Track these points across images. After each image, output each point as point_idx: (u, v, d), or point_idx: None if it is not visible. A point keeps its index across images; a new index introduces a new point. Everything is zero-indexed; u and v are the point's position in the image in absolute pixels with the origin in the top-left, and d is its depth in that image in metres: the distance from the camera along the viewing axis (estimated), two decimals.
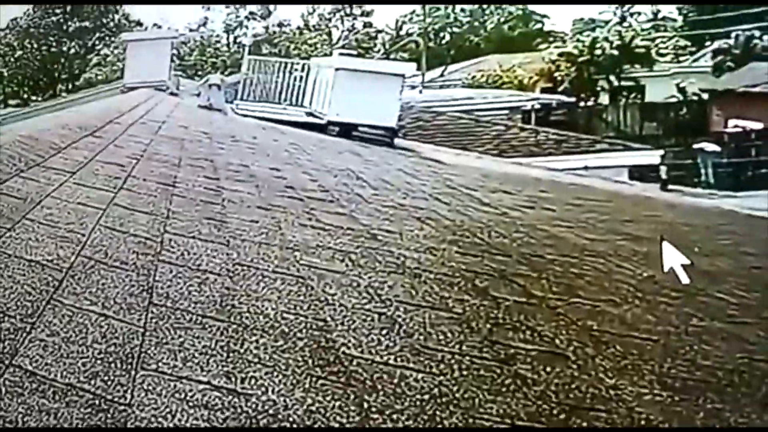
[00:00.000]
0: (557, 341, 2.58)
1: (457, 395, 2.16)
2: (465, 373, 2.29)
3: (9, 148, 3.81)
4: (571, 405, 2.16)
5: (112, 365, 2.03)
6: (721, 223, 4.22)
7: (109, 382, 1.95)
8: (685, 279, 2.61)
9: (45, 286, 2.42)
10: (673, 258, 2.69)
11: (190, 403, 1.94)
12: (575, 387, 2.27)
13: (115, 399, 1.88)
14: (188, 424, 1.86)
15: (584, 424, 2.07)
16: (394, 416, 2.03)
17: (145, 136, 4.59)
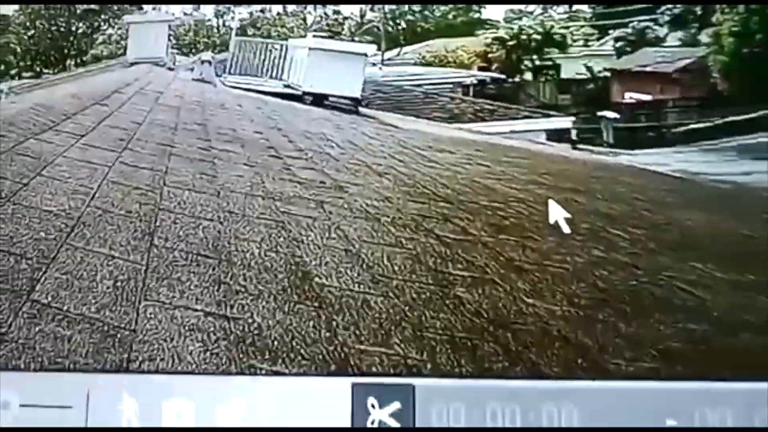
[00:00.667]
0: (487, 270, 2.59)
1: (408, 314, 2.16)
2: (414, 296, 2.29)
3: (24, 114, 3.70)
4: (498, 320, 2.17)
5: (119, 298, 1.99)
6: (618, 175, 4.24)
7: (116, 312, 1.91)
8: (567, 230, 2.62)
9: (58, 232, 2.37)
10: (557, 213, 2.71)
11: (187, 328, 1.91)
12: (502, 306, 2.27)
13: (122, 326, 1.85)
14: (185, 346, 1.83)
15: (508, 335, 2.08)
16: (357, 333, 2.02)
17: (145, 104, 4.48)
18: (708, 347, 2.09)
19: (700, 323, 2.24)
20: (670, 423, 1.70)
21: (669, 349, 2.06)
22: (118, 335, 1.81)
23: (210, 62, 4.83)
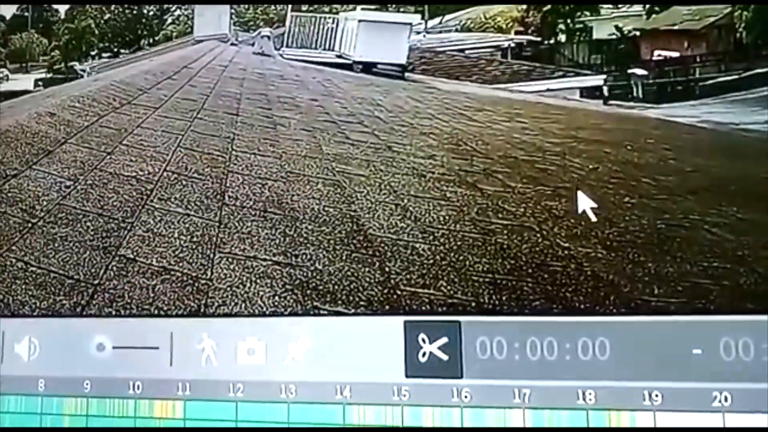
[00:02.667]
0: (525, 217, 2.56)
1: (452, 259, 2.16)
2: (459, 243, 2.29)
3: (105, 90, 3.75)
4: (535, 263, 2.15)
5: (195, 251, 2.03)
6: (647, 127, 4.13)
7: (193, 264, 1.95)
8: (593, 219, 2.57)
9: (139, 194, 2.41)
10: (584, 203, 2.66)
11: (257, 275, 1.94)
12: (539, 250, 2.26)
13: (199, 276, 1.89)
14: (256, 292, 1.86)
15: (545, 276, 2.07)
16: (408, 277, 2.03)
17: (212, 77, 4.49)
18: (731, 283, 2.06)
19: (724, 261, 2.19)
20: (696, 351, 1.69)
21: (694, 285, 2.03)
22: (196, 284, 1.85)
23: (269, 37, 4.82)
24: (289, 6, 5.46)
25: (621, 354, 1.75)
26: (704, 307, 1.87)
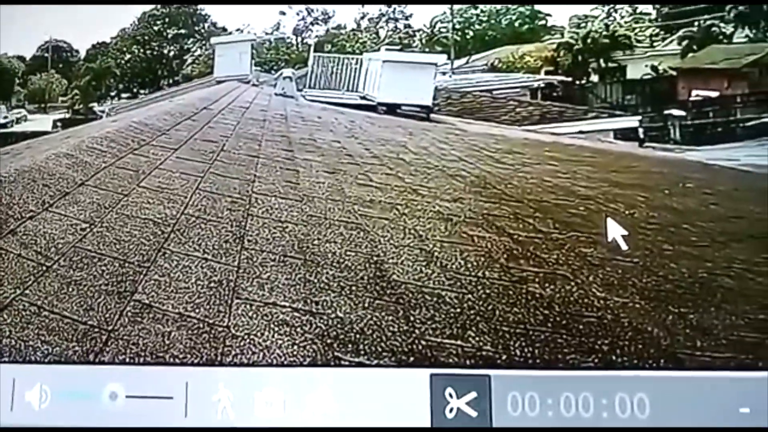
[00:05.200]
0: (559, 265, 2.54)
1: (481, 309, 2.14)
2: (488, 292, 2.27)
3: (123, 131, 3.82)
4: (570, 313, 2.13)
5: (212, 297, 2.04)
6: (686, 170, 4.11)
7: (210, 310, 1.95)
8: (624, 247, 2.55)
9: (156, 238, 2.43)
10: (615, 231, 2.64)
11: (276, 323, 1.94)
12: (573, 300, 2.23)
13: (216, 323, 1.89)
14: (275, 340, 1.86)
15: (580, 327, 2.04)
16: (434, 326, 2.01)
17: (233, 118, 4.57)
18: None
19: None
20: (743, 411, 1.65)
21: (741, 338, 1.99)
22: (213, 331, 1.85)
23: (291, 78, 4.90)
24: (312, 47, 5.55)
25: (662, 412, 1.71)
26: (752, 363, 1.83)
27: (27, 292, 1.99)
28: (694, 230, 2.83)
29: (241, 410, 1.87)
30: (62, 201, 2.62)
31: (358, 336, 1.93)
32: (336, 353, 1.88)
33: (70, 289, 2.01)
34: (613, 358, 1.90)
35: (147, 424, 1.84)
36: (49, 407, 1.88)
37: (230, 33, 4.77)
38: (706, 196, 3.29)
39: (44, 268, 2.13)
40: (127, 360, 1.79)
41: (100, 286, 2.03)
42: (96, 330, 1.84)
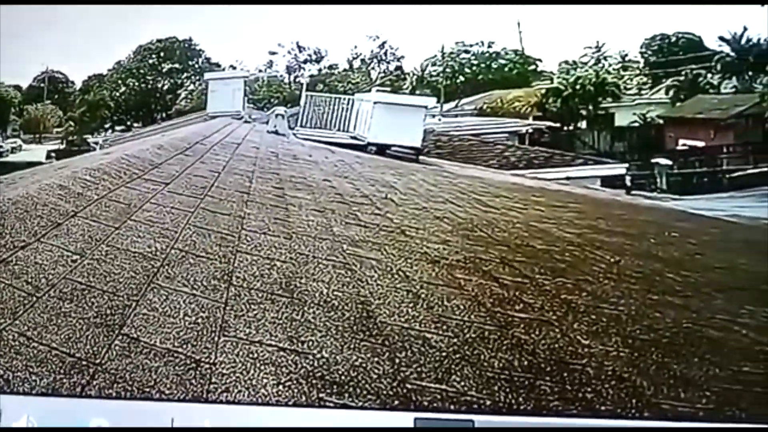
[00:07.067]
0: (544, 311, 2.57)
1: (467, 353, 2.15)
2: (473, 335, 2.28)
3: (116, 164, 3.83)
4: (555, 360, 2.14)
5: (200, 333, 2.04)
6: (672, 219, 4.17)
7: (197, 346, 1.95)
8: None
9: (146, 272, 2.43)
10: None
11: (262, 362, 1.95)
12: (558, 346, 2.25)
13: (202, 359, 1.89)
14: (260, 379, 1.87)
15: (564, 374, 2.06)
16: (419, 369, 2.02)
17: (224, 154, 4.60)
18: (764, 389, 2.04)
19: (756, 365, 2.18)
20: None
21: (724, 390, 2.01)
22: (199, 368, 1.86)
23: (283, 116, 4.97)
24: (304, 86, 5.63)
25: None
26: (734, 415, 1.86)
27: (17, 322, 1.99)
28: (679, 279, 2.87)
29: None
30: (54, 232, 2.62)
31: (343, 377, 1.94)
32: (320, 394, 1.88)
33: (59, 321, 2.01)
34: (597, 406, 1.92)
35: None
36: None
37: (223, 69, 4.84)
38: (691, 246, 3.35)
39: (34, 298, 2.13)
40: (114, 394, 1.79)
41: (89, 319, 2.04)
42: (83, 363, 1.84)
